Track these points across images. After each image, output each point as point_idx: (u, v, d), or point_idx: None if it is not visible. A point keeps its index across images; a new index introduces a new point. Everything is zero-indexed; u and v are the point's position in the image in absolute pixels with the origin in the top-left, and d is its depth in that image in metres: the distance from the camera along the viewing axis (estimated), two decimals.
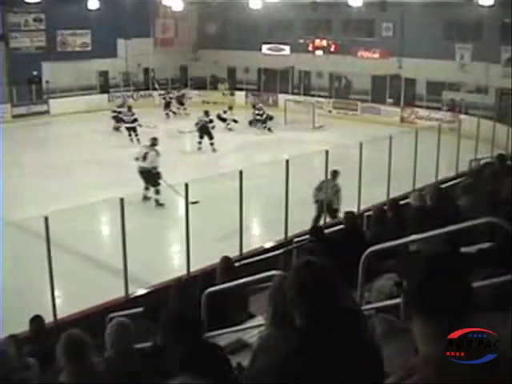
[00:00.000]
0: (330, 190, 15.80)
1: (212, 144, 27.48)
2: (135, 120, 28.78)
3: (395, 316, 5.07)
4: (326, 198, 15.65)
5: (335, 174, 16.00)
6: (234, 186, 13.13)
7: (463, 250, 6.34)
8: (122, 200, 10.90)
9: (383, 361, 3.03)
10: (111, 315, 8.44)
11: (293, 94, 39.50)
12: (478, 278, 4.84)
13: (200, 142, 27.51)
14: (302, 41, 39.48)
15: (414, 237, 6.36)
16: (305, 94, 39.21)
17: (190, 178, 13.83)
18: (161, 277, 12.06)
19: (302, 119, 33.73)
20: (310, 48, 39.23)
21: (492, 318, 4.71)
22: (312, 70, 40.28)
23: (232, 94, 40.98)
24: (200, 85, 42.42)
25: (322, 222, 15.03)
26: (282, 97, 38.60)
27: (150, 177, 19.12)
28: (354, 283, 6.15)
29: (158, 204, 18.86)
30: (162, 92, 38.30)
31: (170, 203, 18.42)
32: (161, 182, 18.77)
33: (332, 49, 38.57)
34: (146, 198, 19.30)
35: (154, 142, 20.16)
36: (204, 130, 27.61)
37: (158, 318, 6.78)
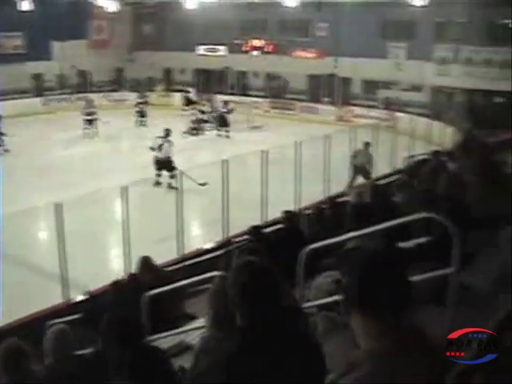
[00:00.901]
0: (364, 157, 19.38)
1: (227, 131, 30.96)
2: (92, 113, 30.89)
3: (336, 313, 5.11)
4: (361, 163, 19.28)
5: (367, 145, 19.48)
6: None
7: (401, 245, 6.42)
8: (58, 205, 10.78)
9: (325, 358, 3.04)
10: (51, 322, 8.30)
11: (230, 94, 39.42)
12: (417, 272, 4.91)
13: (219, 130, 31.17)
14: (238, 41, 39.48)
15: (352, 234, 6.41)
16: (242, 95, 39.23)
17: (130, 180, 13.74)
18: (102, 281, 11.93)
19: (240, 120, 33.74)
20: (247, 48, 39.28)
21: (431, 312, 4.79)
22: (248, 70, 40.35)
23: (168, 96, 40.81)
24: (136, 86, 42.07)
25: (356, 182, 18.45)
26: (218, 97, 38.52)
27: (166, 165, 20.84)
28: (294, 281, 6.17)
29: (171, 187, 19.13)
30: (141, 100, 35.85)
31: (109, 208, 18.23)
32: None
33: (268, 49, 38.67)
34: (157, 183, 20.76)
35: (168, 132, 22.34)
36: (221, 120, 31.38)
37: (98, 324, 6.71)
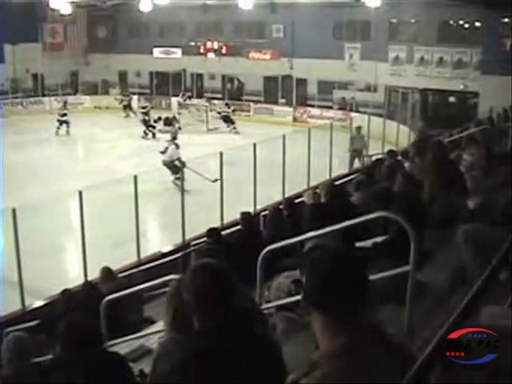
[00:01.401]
0: (360, 142, 22.16)
1: (235, 128, 32.73)
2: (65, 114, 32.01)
3: (295, 313, 5.12)
4: (358, 148, 21.81)
5: (359, 129, 22.40)
6: (130, 191, 12.99)
7: (358, 244, 6.46)
8: (14, 210, 10.68)
9: (283, 359, 3.05)
10: (7, 330, 8.19)
11: (186, 97, 39.25)
12: (374, 271, 4.94)
13: (229, 126, 32.90)
14: (193, 43, 39.37)
15: (309, 234, 6.43)
16: (198, 97, 39.13)
17: (85, 184, 13.62)
18: (59, 287, 11.81)
19: (196, 122, 33.70)
20: (202, 50, 39.17)
21: (389, 311, 4.83)
22: (204, 72, 40.28)
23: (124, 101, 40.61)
24: (91, 90, 41.71)
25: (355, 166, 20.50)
26: (174, 100, 38.37)
27: (171, 167, 20.69)
28: (253, 283, 6.17)
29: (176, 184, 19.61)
30: (119, 97, 38.60)
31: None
32: (186, 169, 18.15)
33: (223, 51, 38.65)
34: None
35: (174, 136, 23.90)
36: (227, 119, 33.06)
37: (54, 330, 6.63)
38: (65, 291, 9.51)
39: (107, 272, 9.66)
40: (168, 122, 30.44)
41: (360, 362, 2.18)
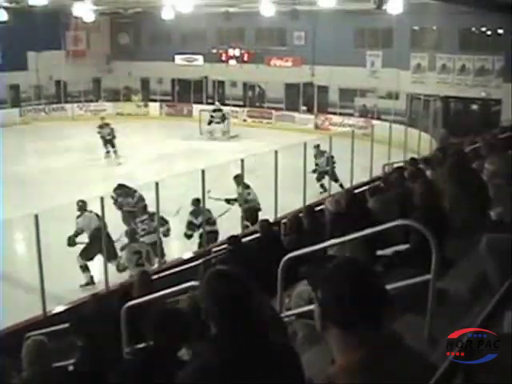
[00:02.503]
0: (323, 160, 20.72)
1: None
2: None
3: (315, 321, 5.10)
4: (323, 168, 20.54)
5: (317, 146, 21.18)
6: (151, 197, 13.04)
7: (379, 252, 6.44)
8: (36, 217, 10.75)
9: (302, 368, 3.03)
10: (28, 334, 8.24)
11: (207, 103, 39.31)
12: (395, 280, 4.92)
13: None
14: (215, 50, 39.56)
15: (330, 242, 6.42)
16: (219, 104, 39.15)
17: (108, 190, 13.66)
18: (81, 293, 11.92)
19: (217, 129, 33.79)
20: (224, 57, 39.35)
21: (410, 320, 4.80)
22: (226, 79, 40.40)
23: (146, 106, 40.87)
24: (113, 96, 41.97)
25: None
26: (196, 107, 38.48)
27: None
28: (274, 290, 6.17)
29: None
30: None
31: None
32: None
33: (245, 58, 38.79)
34: None
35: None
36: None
37: (77, 335, 6.66)
38: (95, 295, 9.54)
39: (143, 276, 9.55)
40: None
41: (378, 377, 2.15)
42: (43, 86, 40.30)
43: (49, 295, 11.23)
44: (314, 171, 20.61)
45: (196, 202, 14.33)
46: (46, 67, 39.63)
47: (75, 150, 29.40)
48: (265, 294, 5.51)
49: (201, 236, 14.42)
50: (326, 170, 20.41)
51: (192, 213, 14.47)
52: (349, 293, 2.22)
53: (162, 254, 14.08)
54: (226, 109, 34.61)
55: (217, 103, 36.31)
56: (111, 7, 38.32)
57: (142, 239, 13.76)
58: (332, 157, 19.71)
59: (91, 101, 40.76)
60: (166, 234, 14.59)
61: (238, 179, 15.75)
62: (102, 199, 12.14)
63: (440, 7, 26.48)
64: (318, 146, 21.32)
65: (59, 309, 11.33)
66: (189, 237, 14.68)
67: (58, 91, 41.10)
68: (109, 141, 27.67)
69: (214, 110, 34.01)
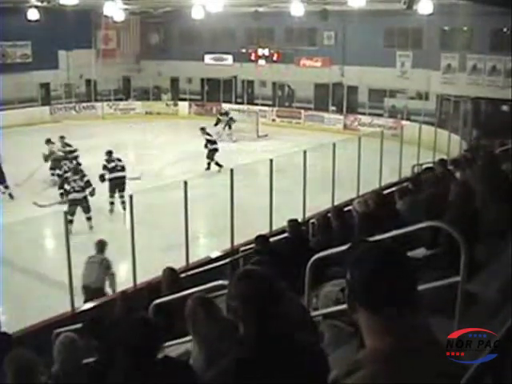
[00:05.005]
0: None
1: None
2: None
3: (342, 322, 5.10)
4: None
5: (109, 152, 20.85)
6: (180, 196, 13.07)
7: (409, 254, 6.41)
8: (65, 213, 10.85)
9: (329, 368, 3.02)
10: (57, 330, 8.31)
11: (236, 103, 39.43)
12: (424, 282, 4.90)
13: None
14: (244, 50, 39.58)
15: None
16: (248, 103, 39.27)
17: (136, 189, 13.71)
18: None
19: (246, 128, 33.77)
20: (253, 57, 39.33)
21: (438, 322, 4.77)
22: (255, 79, 40.41)
23: (175, 105, 41.03)
24: (143, 96, 42.18)
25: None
26: (225, 106, 38.45)
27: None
28: (301, 290, 6.17)
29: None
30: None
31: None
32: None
33: (274, 58, 38.75)
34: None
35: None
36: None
37: (99, 333, 6.70)
38: (123, 292, 9.60)
39: (171, 273, 9.58)
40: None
41: (406, 364, 2.13)
42: (73, 85, 40.57)
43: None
44: None
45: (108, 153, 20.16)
46: (76, 66, 39.95)
47: (104, 148, 29.52)
48: (295, 294, 5.51)
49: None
50: None
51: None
52: (379, 274, 2.20)
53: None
54: (233, 114, 34.42)
55: (224, 106, 36.65)
56: (141, 7, 38.57)
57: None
58: None
59: (121, 99, 41.01)
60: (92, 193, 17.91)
61: None
62: (131, 197, 12.21)
63: (470, 7, 26.28)
64: None
65: (87, 306, 11.40)
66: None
67: (88, 90, 41.39)
68: None
69: (221, 114, 34.10)
